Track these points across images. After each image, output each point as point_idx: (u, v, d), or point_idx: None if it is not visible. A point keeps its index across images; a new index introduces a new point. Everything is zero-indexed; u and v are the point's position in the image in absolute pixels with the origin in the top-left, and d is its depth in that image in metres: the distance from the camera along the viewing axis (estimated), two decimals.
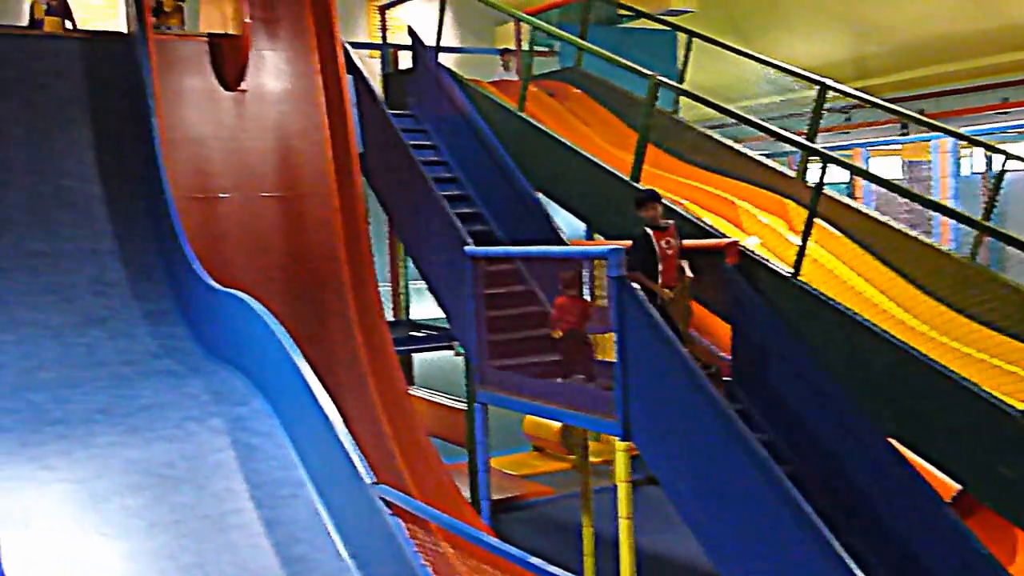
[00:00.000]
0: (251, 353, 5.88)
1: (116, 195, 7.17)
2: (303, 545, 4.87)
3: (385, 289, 8.84)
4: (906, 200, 10.17)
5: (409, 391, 8.13)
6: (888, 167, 14.98)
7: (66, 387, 5.75)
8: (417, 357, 10.57)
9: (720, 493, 5.24)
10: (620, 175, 7.45)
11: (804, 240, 6.22)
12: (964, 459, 5.65)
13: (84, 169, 7.20)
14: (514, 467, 10.76)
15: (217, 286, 6.24)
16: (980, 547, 5.24)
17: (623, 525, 5.47)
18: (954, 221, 9.70)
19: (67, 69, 7.61)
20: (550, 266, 6.82)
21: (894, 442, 5.71)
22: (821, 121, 8.13)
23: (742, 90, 14.29)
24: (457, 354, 9.56)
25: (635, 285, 5.61)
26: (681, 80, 9.36)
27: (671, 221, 6.39)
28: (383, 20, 10.73)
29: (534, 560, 3.69)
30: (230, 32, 8.15)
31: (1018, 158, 7.58)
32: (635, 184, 7.21)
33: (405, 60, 10.04)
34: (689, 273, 6.34)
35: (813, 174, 7.50)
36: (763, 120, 7.41)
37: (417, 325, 9.90)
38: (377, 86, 9.11)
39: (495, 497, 7.40)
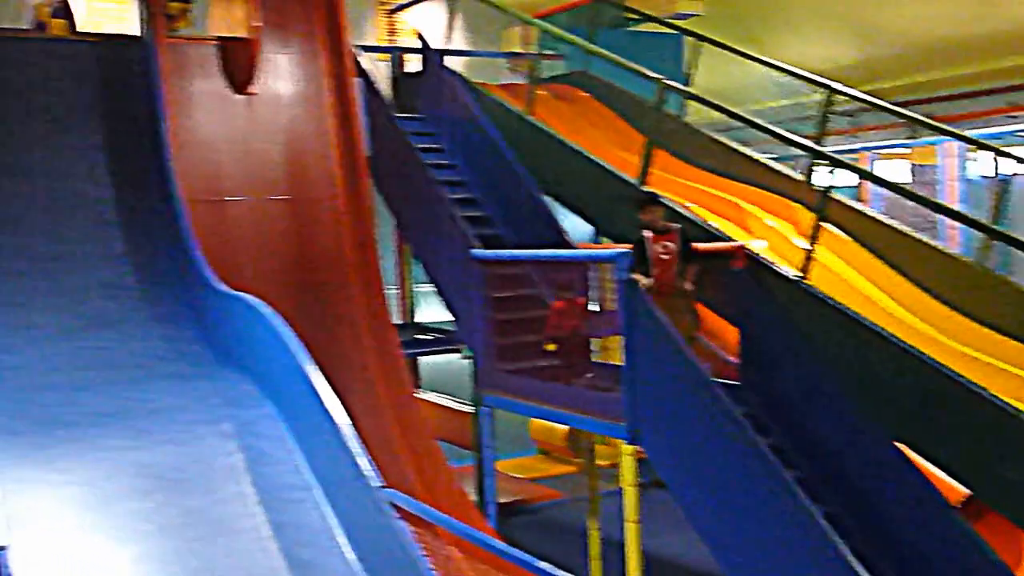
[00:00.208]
0: (260, 356, 5.90)
1: (127, 198, 7.19)
2: (311, 549, 4.88)
3: (392, 292, 8.85)
4: (914, 204, 10.15)
5: (416, 394, 8.14)
6: (895, 171, 14.95)
7: (76, 390, 5.77)
8: (424, 360, 10.57)
9: (728, 497, 5.24)
10: (627, 178, 7.46)
11: (812, 244, 6.22)
12: (972, 463, 5.64)
13: (96, 172, 7.23)
14: (520, 470, 10.76)
15: (226, 289, 6.26)
16: (989, 552, 5.23)
17: (630, 529, 5.47)
18: (961, 225, 9.70)
19: (80, 72, 7.64)
20: (557, 270, 6.83)
21: (902, 446, 5.70)
22: (828, 124, 8.13)
23: (749, 94, 14.27)
24: (464, 357, 9.57)
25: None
26: (688, 83, 9.37)
27: (677, 225, 6.38)
28: (392, 24, 10.75)
29: (541, 564, 3.70)
30: (240, 35, 8.17)
31: None
32: (639, 187, 7.22)
33: (413, 63, 10.06)
34: (688, 285, 6.27)
35: (820, 177, 7.50)
36: (770, 124, 7.41)
37: (424, 328, 9.91)
38: (385, 89, 9.13)
39: (502, 500, 7.42)
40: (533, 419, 10.90)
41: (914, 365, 5.75)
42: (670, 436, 5.47)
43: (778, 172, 8.20)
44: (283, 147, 8.08)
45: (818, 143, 7.78)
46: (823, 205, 6.24)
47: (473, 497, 7.96)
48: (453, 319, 7.86)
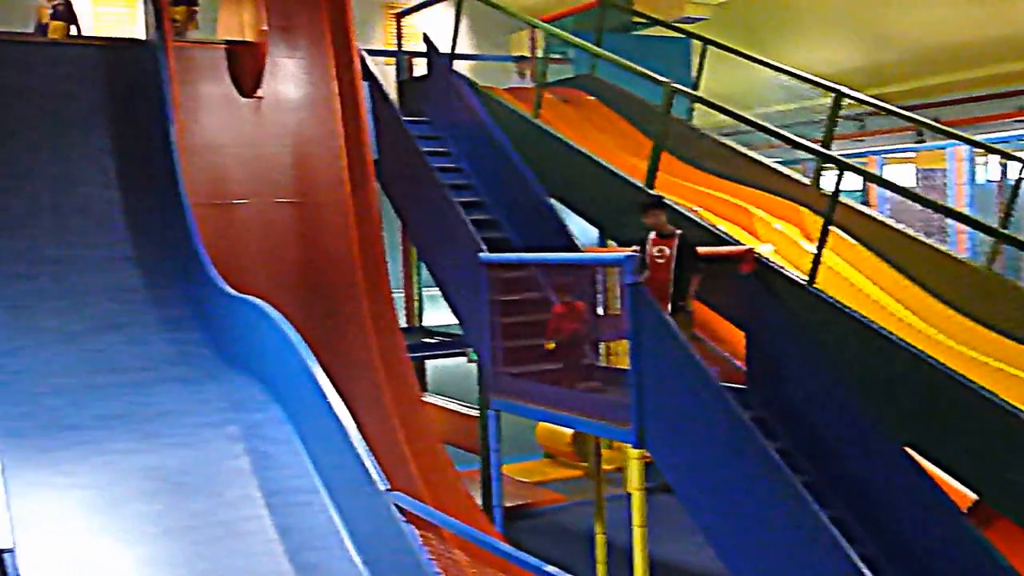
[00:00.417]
0: (266, 359, 5.90)
1: (134, 201, 7.21)
2: (317, 552, 4.87)
3: (398, 296, 8.85)
4: (921, 208, 10.13)
5: (422, 398, 8.14)
6: (902, 175, 14.92)
7: (83, 393, 5.78)
8: (430, 364, 10.58)
9: (735, 501, 5.22)
10: (634, 181, 7.46)
11: (820, 247, 6.20)
12: (981, 468, 5.62)
13: (103, 176, 7.24)
14: (526, 474, 10.75)
15: (233, 292, 6.27)
16: (999, 557, 5.20)
17: (637, 533, 5.45)
18: (969, 229, 9.67)
19: (87, 76, 7.66)
20: (564, 273, 6.81)
21: (910, 451, 5.68)
22: (835, 128, 8.11)
23: (756, 98, 14.26)
24: (470, 361, 9.57)
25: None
26: (696, 87, 9.37)
27: (678, 231, 6.34)
28: (399, 27, 10.77)
29: (549, 568, 3.69)
30: (247, 39, 8.19)
31: None
32: (647, 190, 7.21)
33: (420, 67, 10.08)
34: (690, 301, 6.23)
35: (828, 181, 7.48)
36: (777, 128, 7.40)
37: (430, 332, 9.92)
38: (392, 93, 9.14)
39: (507, 504, 7.40)
40: (539, 423, 10.90)
41: (922, 369, 5.73)
42: (677, 440, 5.45)
43: (785, 176, 8.19)
44: (290, 150, 8.09)
45: (826, 147, 7.77)
46: (831, 209, 6.22)
47: (478, 501, 7.95)
48: (459, 323, 7.85)
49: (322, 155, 8.16)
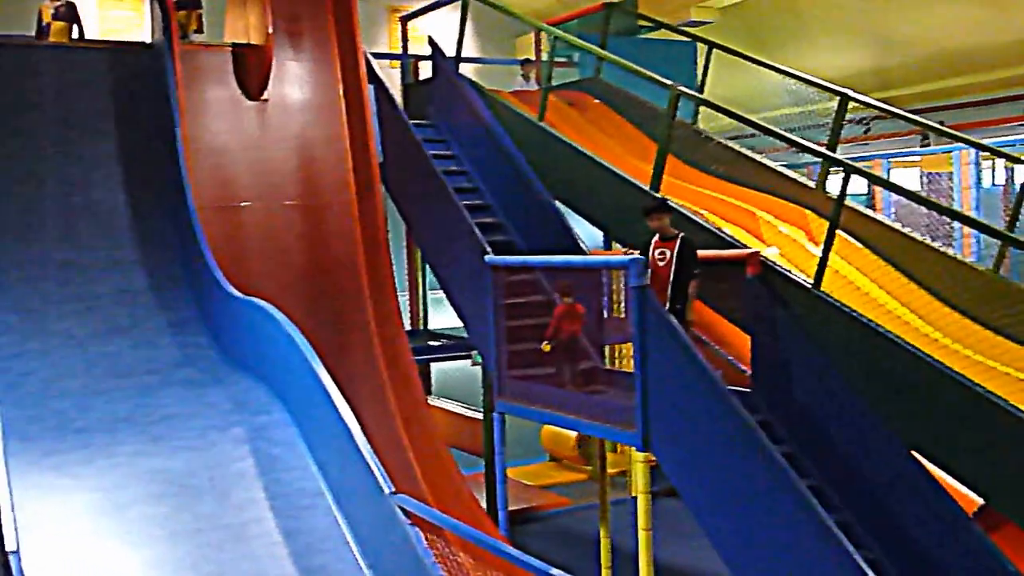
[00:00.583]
0: (272, 362, 5.91)
1: (141, 205, 7.23)
2: (322, 555, 4.87)
3: (403, 298, 8.86)
4: (927, 212, 10.12)
5: (427, 401, 8.14)
6: (907, 179, 14.89)
7: (90, 396, 5.80)
8: (435, 366, 10.58)
9: (741, 505, 5.22)
10: (639, 184, 7.46)
11: (826, 251, 6.19)
12: (987, 472, 5.60)
13: (110, 179, 7.27)
14: (531, 477, 10.74)
15: (238, 295, 6.28)
16: (1005, 562, 5.19)
17: (642, 537, 5.44)
18: (975, 233, 9.65)
19: (94, 80, 7.68)
20: (569, 276, 6.81)
21: (916, 455, 5.67)
22: (841, 132, 8.11)
23: (761, 101, 14.25)
24: (474, 363, 9.56)
25: None
26: (701, 91, 9.37)
27: (679, 233, 6.33)
28: (404, 31, 10.79)
29: (553, 571, 3.68)
30: (253, 42, 8.21)
31: None
32: (652, 194, 7.21)
33: (426, 70, 10.09)
34: (689, 312, 6.22)
35: (833, 185, 7.47)
36: (783, 131, 7.40)
37: (435, 334, 9.92)
38: (398, 96, 9.15)
39: (512, 507, 7.40)
40: (544, 426, 10.90)
41: (927, 373, 5.72)
42: (682, 443, 5.45)
43: (791, 179, 8.18)
44: (295, 153, 8.10)
45: (831, 150, 7.76)
46: (837, 212, 6.21)
47: (483, 504, 7.95)
48: (464, 325, 7.86)
49: (327, 158, 8.17)
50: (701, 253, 6.40)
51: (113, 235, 7.02)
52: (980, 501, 6.13)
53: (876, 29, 14.81)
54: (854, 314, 6.06)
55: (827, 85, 8.44)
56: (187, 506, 4.99)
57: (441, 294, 8.27)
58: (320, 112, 8.28)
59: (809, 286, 6.22)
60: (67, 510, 4.87)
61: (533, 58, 11.50)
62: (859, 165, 7.37)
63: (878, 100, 8.58)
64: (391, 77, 9.90)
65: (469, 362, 9.87)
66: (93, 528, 4.79)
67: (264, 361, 6.00)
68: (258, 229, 7.73)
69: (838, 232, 6.51)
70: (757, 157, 8.58)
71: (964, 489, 5.92)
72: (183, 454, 5.33)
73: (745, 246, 6.78)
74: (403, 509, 4.54)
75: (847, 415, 5.80)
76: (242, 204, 7.76)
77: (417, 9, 11.16)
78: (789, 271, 6.47)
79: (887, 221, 7.78)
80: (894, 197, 11.25)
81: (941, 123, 11.68)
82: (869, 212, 7.88)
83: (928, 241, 7.40)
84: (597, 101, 10.03)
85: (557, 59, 9.61)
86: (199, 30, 8.88)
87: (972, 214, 10.17)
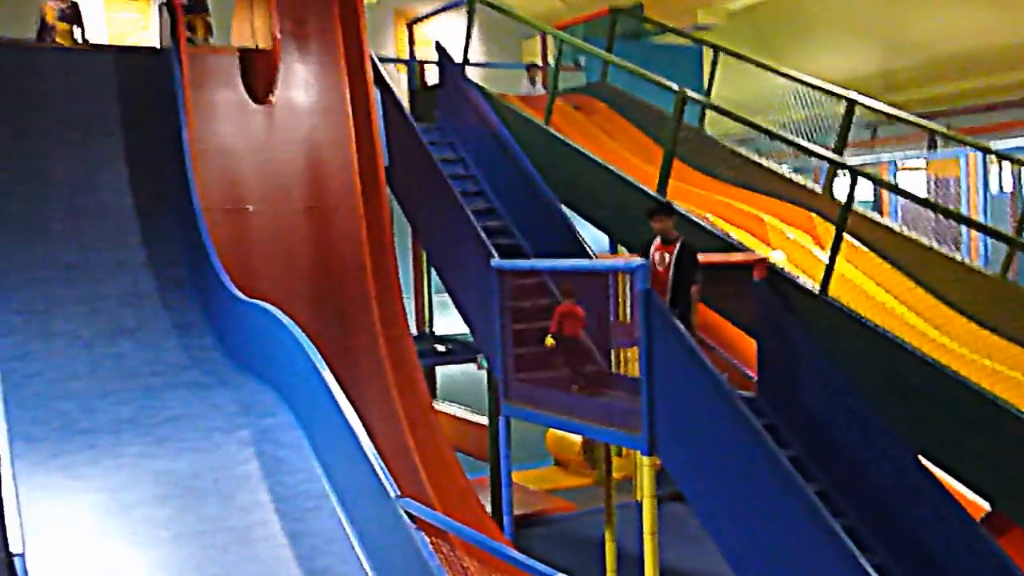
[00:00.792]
0: (278, 365, 5.91)
1: (148, 207, 7.25)
2: (327, 557, 4.87)
3: (408, 302, 8.85)
4: (934, 216, 10.08)
5: (432, 405, 8.13)
6: (914, 183, 14.84)
7: (96, 397, 5.81)
8: (440, 370, 10.58)
9: (748, 510, 5.20)
10: (645, 188, 7.45)
11: (833, 255, 6.18)
12: (995, 477, 5.58)
13: (118, 182, 7.29)
14: (536, 482, 10.72)
15: (244, 298, 6.29)
16: (1013, 567, 5.16)
17: (648, 541, 5.43)
18: (982, 237, 9.62)
19: (102, 83, 7.71)
20: (576, 279, 6.81)
21: (923, 460, 5.64)
22: (848, 136, 8.09)
23: (768, 105, 14.23)
24: (480, 367, 9.56)
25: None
26: (707, 95, 9.36)
27: (681, 237, 6.30)
28: (411, 35, 10.81)
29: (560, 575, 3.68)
30: (261, 46, 8.23)
31: None
32: (657, 197, 7.21)
33: (432, 75, 10.10)
34: (694, 307, 6.19)
35: (840, 189, 7.46)
36: (789, 135, 7.38)
37: (441, 338, 9.92)
38: (404, 100, 9.16)
39: (517, 512, 7.38)
40: (549, 430, 10.88)
41: (934, 377, 5.70)
42: (688, 447, 5.43)
43: (797, 183, 8.17)
44: (302, 156, 8.11)
45: (838, 154, 7.74)
46: (844, 217, 6.20)
47: (488, 508, 7.94)
48: (469, 329, 7.85)
49: (334, 161, 8.18)
50: (707, 257, 6.38)
51: (120, 237, 7.04)
52: (987, 506, 6.10)
53: (883, 32, 14.78)
54: (861, 319, 6.05)
55: (834, 89, 8.43)
56: (192, 508, 4.99)
57: (446, 298, 8.26)
58: (327, 116, 8.29)
59: (816, 290, 6.20)
60: (72, 511, 4.87)
61: (539, 62, 11.51)
62: (866, 169, 7.36)
63: (885, 104, 8.55)
64: (398, 81, 9.93)
65: (474, 366, 9.86)
66: (98, 529, 4.80)
67: (270, 364, 6.00)
68: (264, 232, 7.75)
69: (845, 236, 6.50)
70: (764, 161, 8.56)
71: (971, 494, 5.90)
72: (188, 456, 5.33)
73: (751, 250, 6.76)
74: (408, 513, 4.54)
75: (853, 419, 5.77)
76: (248, 207, 7.78)
77: (424, 14, 11.18)
78: (795, 275, 6.45)
79: (894, 226, 7.76)
80: (901, 201, 11.22)
81: (948, 127, 11.63)
82: (876, 216, 7.86)
83: (935, 246, 7.38)
84: (603, 105, 10.03)
85: (564, 63, 9.61)
86: (207, 36, 8.90)
87: (979, 218, 10.14)
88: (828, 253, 6.31)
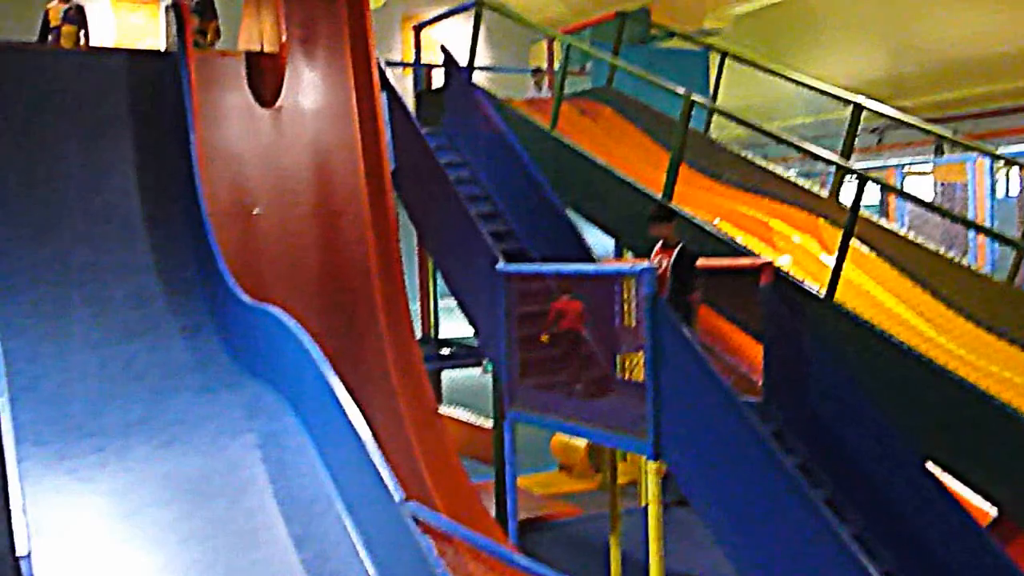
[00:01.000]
0: (284, 368, 5.92)
1: (156, 210, 7.26)
2: (333, 561, 4.87)
3: (414, 306, 8.86)
4: (941, 221, 10.07)
5: (438, 409, 8.12)
6: (921, 189, 14.82)
7: (103, 399, 5.81)
8: (445, 375, 10.57)
9: (754, 516, 5.19)
10: (651, 193, 7.45)
11: (840, 260, 6.16)
12: (1002, 483, 5.56)
13: (126, 184, 7.31)
14: (540, 486, 10.71)
15: (251, 301, 6.30)
16: (1020, 573, 5.14)
17: (653, 546, 5.42)
18: (990, 243, 9.60)
19: (111, 86, 7.73)
20: (581, 284, 6.81)
21: (931, 465, 5.63)
22: (855, 140, 8.08)
23: (774, 110, 14.23)
24: (485, 372, 9.55)
25: None
26: (714, 99, 9.36)
27: (679, 243, 6.28)
28: (417, 39, 10.82)
29: None
30: (268, 50, 8.25)
31: None
32: (660, 202, 7.20)
33: (438, 79, 10.11)
34: (695, 314, 6.17)
35: (847, 194, 7.44)
36: (796, 140, 7.38)
37: (446, 342, 9.92)
38: (410, 104, 9.17)
39: (522, 516, 7.37)
40: (554, 435, 10.88)
41: (942, 383, 5.68)
42: (694, 453, 5.42)
43: (804, 188, 8.16)
44: (308, 160, 8.12)
45: (845, 159, 7.73)
46: (851, 221, 6.18)
47: (493, 512, 7.93)
48: (475, 333, 7.85)
49: (340, 165, 8.19)
50: (713, 262, 6.37)
51: (128, 240, 7.05)
52: (994, 512, 6.08)
53: (890, 37, 14.77)
54: (867, 324, 6.03)
55: (840, 94, 8.42)
56: (198, 511, 5.00)
57: (452, 302, 8.27)
58: (333, 119, 8.30)
59: (822, 295, 6.19)
60: (79, 513, 4.88)
61: (546, 67, 11.53)
62: (872, 175, 7.35)
63: (892, 109, 8.55)
64: (404, 85, 9.94)
65: (479, 370, 9.86)
66: (104, 531, 4.81)
67: (276, 367, 6.01)
68: (271, 235, 7.75)
69: (851, 241, 6.48)
70: (770, 166, 8.56)
71: (978, 500, 5.87)
72: (195, 459, 5.34)
73: (758, 255, 6.75)
74: (414, 517, 4.54)
75: (860, 425, 5.76)
76: (255, 210, 7.78)
77: (431, 18, 11.19)
78: (802, 280, 6.44)
79: (901, 231, 7.75)
80: (908, 206, 11.20)
81: (955, 132, 11.62)
82: (883, 222, 7.85)
83: (942, 251, 7.36)
84: (610, 109, 10.04)
85: (570, 68, 9.62)
86: (214, 41, 8.92)
87: (987, 224, 10.12)
88: (834, 258, 6.29)
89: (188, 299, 6.78)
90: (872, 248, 7.39)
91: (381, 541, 4.88)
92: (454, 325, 9.72)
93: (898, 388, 5.87)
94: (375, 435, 5.08)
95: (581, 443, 10.62)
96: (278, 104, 8.13)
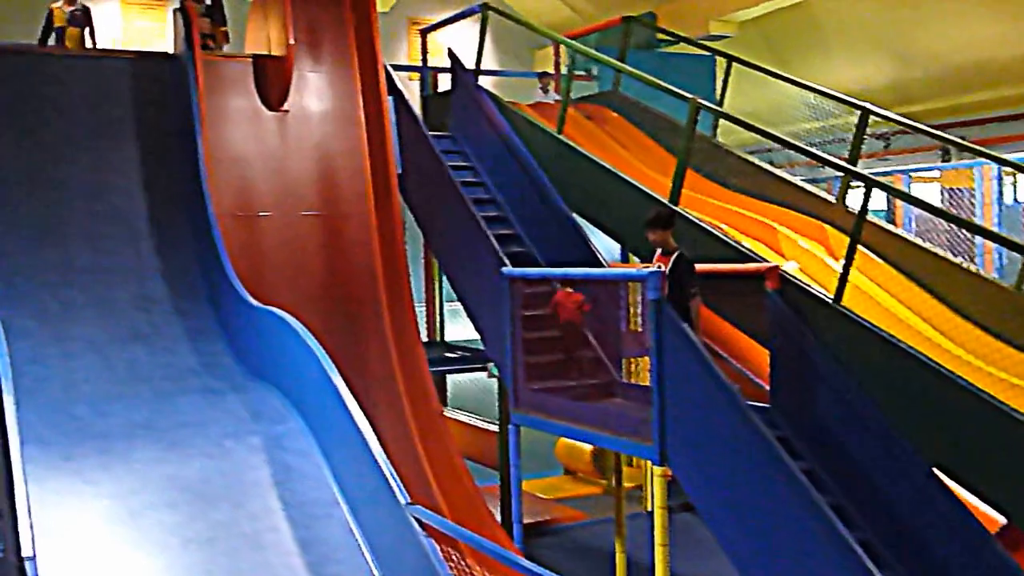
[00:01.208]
0: (289, 371, 5.92)
1: (162, 213, 7.28)
2: (337, 565, 4.86)
3: (419, 309, 8.86)
4: (948, 227, 10.03)
5: (443, 413, 8.12)
6: (928, 195, 14.78)
7: (108, 402, 5.82)
8: (451, 378, 10.57)
9: (760, 521, 5.16)
10: (657, 197, 7.44)
11: (847, 265, 6.14)
12: (1011, 491, 5.52)
13: (132, 187, 7.32)
14: (545, 491, 10.69)
15: (256, 304, 6.30)
16: None
17: (659, 552, 5.40)
18: (997, 248, 9.55)
19: (117, 88, 7.76)
20: (587, 288, 6.80)
21: (938, 473, 5.60)
22: (862, 146, 8.06)
23: (780, 116, 14.20)
24: (490, 376, 9.55)
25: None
26: (720, 104, 9.35)
27: (677, 249, 6.23)
28: (424, 43, 10.84)
29: None
30: (274, 54, 8.27)
31: None
32: (669, 205, 7.19)
33: (445, 83, 10.12)
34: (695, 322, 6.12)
35: (854, 199, 7.43)
36: (803, 146, 7.36)
37: (451, 346, 9.91)
38: (417, 108, 9.19)
39: (527, 520, 7.36)
40: (559, 440, 10.85)
41: (950, 389, 5.65)
42: (700, 458, 5.40)
43: (810, 194, 8.14)
44: (315, 163, 8.14)
45: (852, 165, 7.71)
46: (858, 227, 6.16)
47: (498, 516, 7.91)
48: (480, 337, 7.85)
49: (347, 168, 8.21)
50: (719, 267, 6.35)
51: (134, 242, 7.06)
52: (1002, 520, 6.04)
53: (896, 43, 14.75)
54: (875, 329, 6.00)
55: (847, 99, 8.41)
56: (202, 514, 4.99)
57: (458, 305, 8.26)
58: (340, 123, 8.32)
59: (829, 301, 6.17)
60: (83, 515, 4.88)
61: (552, 71, 11.53)
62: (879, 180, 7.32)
63: (899, 114, 8.53)
64: (410, 89, 9.95)
65: (485, 374, 9.85)
66: (109, 534, 4.80)
67: (281, 370, 6.01)
68: (277, 238, 7.77)
69: (858, 247, 6.45)
70: (776, 171, 8.54)
71: (986, 508, 5.84)
72: (199, 462, 5.34)
73: (764, 260, 6.74)
74: (418, 520, 4.53)
75: (868, 431, 5.73)
76: (261, 213, 7.80)
77: (437, 22, 11.21)
78: (809, 286, 6.42)
79: (908, 236, 7.72)
80: (915, 212, 11.16)
81: (963, 138, 11.59)
82: (890, 227, 7.82)
83: (950, 257, 7.34)
84: (616, 114, 10.03)
85: (576, 72, 9.62)
86: (222, 45, 8.93)
87: (994, 230, 10.07)
88: (841, 263, 6.27)
89: (193, 302, 6.79)
90: (879, 254, 7.36)
91: (386, 544, 4.87)
92: (460, 328, 9.71)
93: (905, 394, 5.84)
94: (380, 438, 5.08)
95: (586, 447, 10.60)
96: (285, 108, 8.15)
